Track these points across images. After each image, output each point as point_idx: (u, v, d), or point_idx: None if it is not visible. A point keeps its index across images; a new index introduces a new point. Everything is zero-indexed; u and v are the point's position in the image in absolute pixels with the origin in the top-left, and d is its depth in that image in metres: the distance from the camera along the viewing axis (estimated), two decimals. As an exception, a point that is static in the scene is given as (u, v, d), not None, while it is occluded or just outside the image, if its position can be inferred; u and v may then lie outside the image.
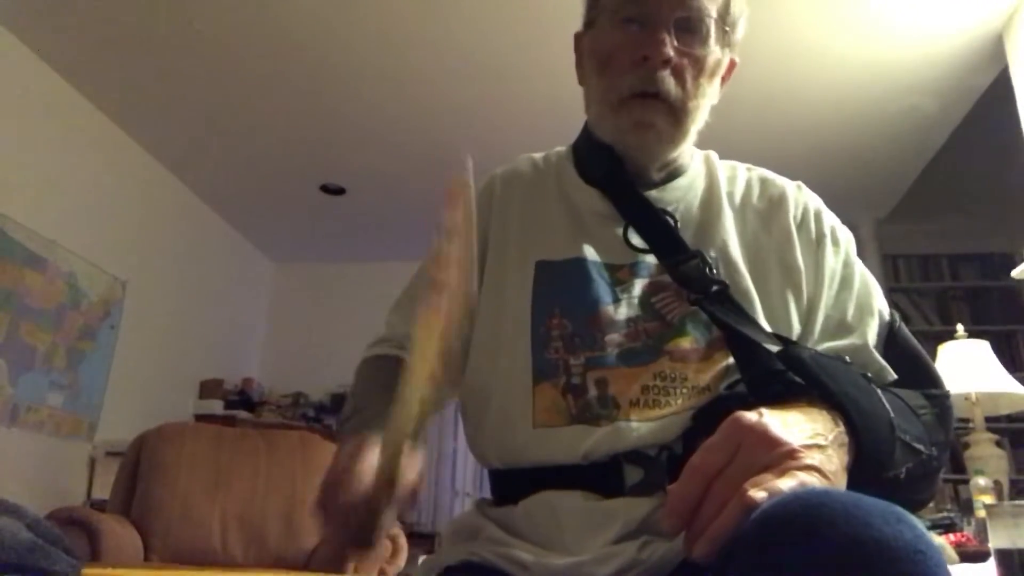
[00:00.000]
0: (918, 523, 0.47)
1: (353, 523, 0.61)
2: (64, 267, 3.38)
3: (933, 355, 2.23)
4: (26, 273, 3.16)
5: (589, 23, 0.90)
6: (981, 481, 2.09)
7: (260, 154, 3.94)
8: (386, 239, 4.82)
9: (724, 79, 0.89)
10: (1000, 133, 3.10)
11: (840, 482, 0.58)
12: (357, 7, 2.85)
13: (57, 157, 3.35)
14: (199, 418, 4.12)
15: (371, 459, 0.61)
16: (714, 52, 0.83)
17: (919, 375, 0.78)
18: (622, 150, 0.86)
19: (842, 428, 0.62)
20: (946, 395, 0.77)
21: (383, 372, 0.85)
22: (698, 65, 0.82)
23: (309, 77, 3.29)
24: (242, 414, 4.34)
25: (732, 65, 0.89)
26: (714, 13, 0.82)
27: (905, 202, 4.18)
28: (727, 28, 0.84)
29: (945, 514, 2.04)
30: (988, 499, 2.02)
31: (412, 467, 0.60)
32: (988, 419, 2.34)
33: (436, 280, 0.47)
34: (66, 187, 3.40)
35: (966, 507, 2.19)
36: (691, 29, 0.81)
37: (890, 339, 0.81)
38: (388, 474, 0.55)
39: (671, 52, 0.80)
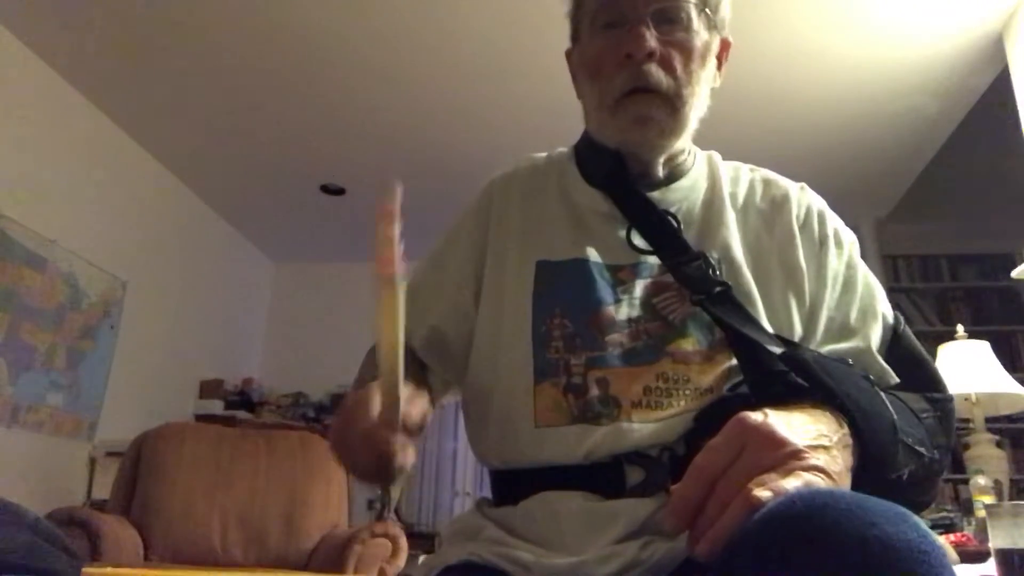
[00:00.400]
0: (922, 523, 0.47)
1: (368, 462, 0.65)
2: (64, 267, 3.37)
3: (933, 356, 2.23)
4: (26, 273, 3.16)
5: (575, 37, 0.91)
6: (981, 481, 2.09)
7: (260, 154, 3.94)
8: (386, 239, 4.82)
9: (721, 60, 0.88)
10: (1000, 133, 3.10)
11: (844, 483, 0.58)
12: (357, 7, 2.85)
13: (57, 157, 3.35)
14: (199, 418, 4.12)
15: (373, 398, 0.65)
16: (700, 35, 0.83)
17: (922, 378, 0.78)
18: (626, 150, 0.85)
19: (846, 430, 0.62)
20: (948, 399, 0.77)
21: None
22: (685, 52, 0.82)
23: (309, 78, 3.29)
24: (242, 414, 4.34)
25: (726, 45, 0.89)
26: None
27: (905, 202, 4.18)
28: (708, 10, 0.84)
29: (945, 514, 2.04)
30: (988, 499, 2.02)
31: (412, 404, 0.65)
32: (988, 419, 2.34)
33: (385, 276, 0.58)
34: (66, 187, 3.40)
35: (966, 507, 2.19)
36: (670, 19, 0.81)
37: (893, 342, 0.81)
38: (389, 407, 0.62)
39: (653, 44, 0.79)
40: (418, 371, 0.85)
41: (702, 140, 0.91)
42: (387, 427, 0.63)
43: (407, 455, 0.64)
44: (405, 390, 0.63)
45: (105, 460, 3.43)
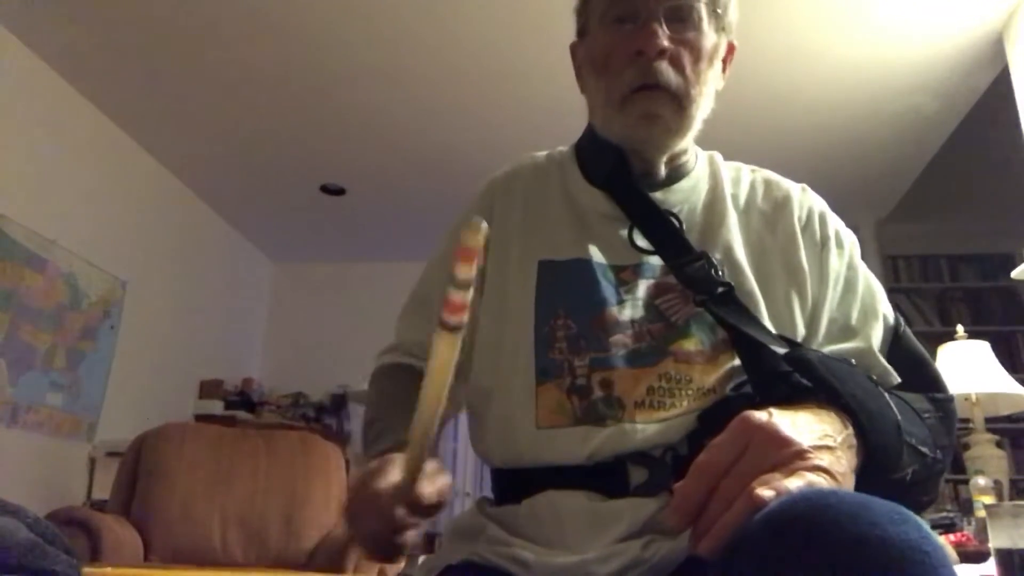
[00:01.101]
0: (924, 524, 0.47)
1: (378, 536, 0.63)
2: (64, 267, 3.37)
3: (933, 356, 2.23)
4: (26, 273, 3.15)
5: (581, 31, 0.90)
6: (981, 481, 2.09)
7: (260, 154, 3.94)
8: (386, 239, 4.82)
9: (725, 63, 0.88)
10: (1000, 133, 3.10)
11: (848, 483, 0.58)
12: (358, 8, 2.85)
13: (57, 157, 3.35)
14: (199, 418, 4.12)
15: (392, 475, 0.63)
16: (709, 36, 0.83)
17: (923, 379, 0.78)
18: (631, 147, 0.85)
19: (851, 430, 0.62)
20: (950, 399, 0.77)
21: (396, 383, 0.88)
22: (694, 51, 0.82)
23: (309, 77, 3.28)
24: (242, 414, 4.34)
25: (731, 48, 0.89)
26: None
27: (905, 202, 4.18)
28: (719, 11, 0.84)
29: (945, 514, 2.04)
30: (988, 499, 2.02)
31: (432, 483, 0.62)
32: (988, 419, 2.34)
33: (451, 324, 0.51)
34: (66, 187, 3.40)
35: (966, 507, 2.20)
36: (682, 18, 0.81)
37: (894, 343, 0.81)
38: (408, 490, 0.58)
39: (665, 42, 0.79)
40: None
41: (702, 140, 0.91)
42: (402, 498, 0.60)
43: (414, 535, 0.62)
44: (430, 462, 0.59)
45: (105, 460, 3.43)
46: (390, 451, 0.69)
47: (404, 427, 0.62)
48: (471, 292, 0.51)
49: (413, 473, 0.58)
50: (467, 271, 0.51)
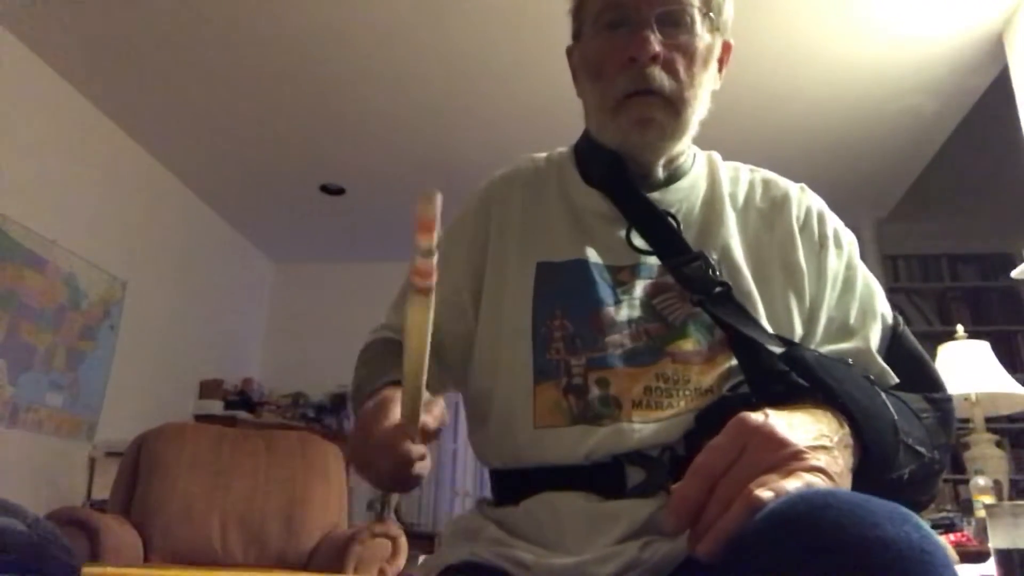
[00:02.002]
0: (924, 524, 0.47)
1: (394, 474, 0.64)
2: (64, 267, 3.37)
3: (933, 356, 2.23)
4: (26, 273, 3.16)
5: (576, 35, 0.90)
6: (981, 481, 2.09)
7: (260, 154, 3.94)
8: (386, 239, 4.82)
9: (722, 63, 0.88)
10: (1000, 133, 3.10)
11: (845, 483, 0.58)
12: (357, 8, 2.85)
13: (57, 157, 3.35)
14: (199, 418, 4.12)
15: (393, 413, 0.65)
16: (703, 38, 0.83)
17: (921, 379, 0.78)
18: (627, 151, 0.85)
19: (847, 430, 0.62)
20: (948, 399, 0.77)
21: (382, 349, 0.89)
22: (688, 55, 0.82)
23: (309, 77, 3.29)
24: (242, 414, 4.34)
25: (727, 47, 0.89)
26: (696, 1, 0.82)
27: (905, 202, 4.18)
28: (711, 13, 0.84)
29: (945, 514, 2.04)
30: (988, 499, 2.02)
31: (429, 412, 0.64)
32: (988, 419, 2.34)
33: (420, 287, 0.57)
34: (66, 187, 3.40)
35: (966, 507, 2.19)
36: (674, 22, 0.81)
37: (893, 343, 0.81)
38: (410, 416, 0.62)
39: (657, 48, 0.79)
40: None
41: (701, 140, 0.91)
42: (407, 435, 0.63)
43: (425, 464, 0.65)
44: (423, 395, 0.64)
45: (105, 460, 3.43)
46: (383, 390, 0.71)
47: (395, 368, 0.65)
48: (435, 257, 0.56)
49: (412, 416, 0.62)
50: (428, 240, 0.55)
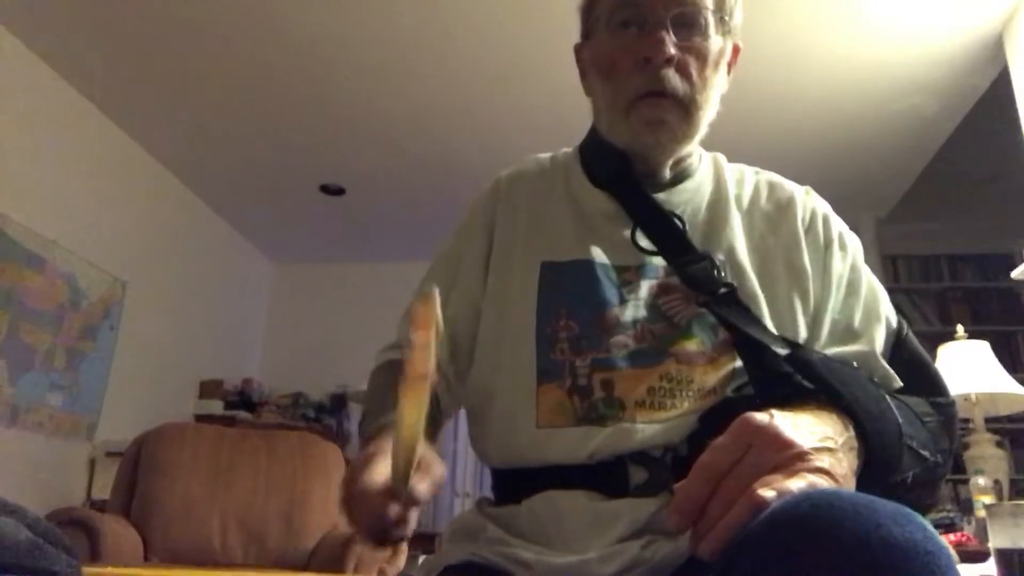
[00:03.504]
0: (928, 524, 0.47)
1: (373, 524, 0.62)
2: (64, 267, 3.37)
3: (933, 356, 2.23)
4: (26, 273, 3.15)
5: (587, 33, 0.90)
6: (981, 481, 2.09)
7: (260, 154, 3.94)
8: (386, 239, 4.82)
9: (730, 66, 0.88)
10: (1000, 133, 3.10)
11: (849, 485, 0.58)
12: (358, 8, 2.85)
13: (57, 157, 3.35)
14: (199, 418, 4.12)
15: (381, 468, 0.62)
16: (715, 42, 0.83)
17: (925, 383, 0.78)
18: (636, 151, 0.85)
19: (852, 432, 0.62)
20: (951, 403, 0.77)
21: (389, 376, 0.86)
22: (701, 58, 0.82)
23: (309, 77, 3.28)
24: (242, 414, 4.34)
25: (736, 50, 0.89)
26: (710, 4, 0.82)
27: (905, 202, 4.18)
28: (725, 16, 0.84)
29: (945, 514, 2.04)
30: (988, 499, 2.02)
31: (423, 480, 0.61)
32: (988, 419, 2.35)
33: (417, 375, 0.56)
34: (66, 187, 3.40)
35: (966, 507, 2.20)
36: (689, 24, 0.81)
37: (897, 346, 0.81)
38: (401, 476, 0.59)
39: (672, 50, 0.79)
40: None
41: (704, 141, 0.91)
42: (390, 495, 0.61)
43: (407, 527, 0.62)
44: (422, 447, 0.60)
45: (105, 460, 3.42)
46: (375, 437, 0.69)
47: (391, 409, 0.63)
48: (432, 351, 0.56)
49: (403, 479, 0.59)
50: (424, 337, 0.56)
